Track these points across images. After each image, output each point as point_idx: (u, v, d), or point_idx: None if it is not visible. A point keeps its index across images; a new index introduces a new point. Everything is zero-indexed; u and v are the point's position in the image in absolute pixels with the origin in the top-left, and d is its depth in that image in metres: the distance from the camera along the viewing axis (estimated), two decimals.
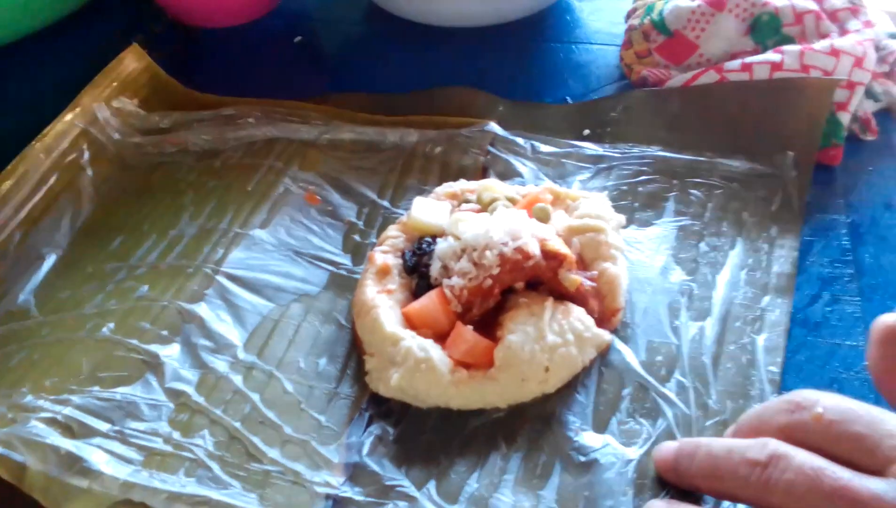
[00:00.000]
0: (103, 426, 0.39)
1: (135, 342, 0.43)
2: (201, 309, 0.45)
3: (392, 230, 0.47)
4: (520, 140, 0.53)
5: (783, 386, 0.40)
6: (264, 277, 0.47)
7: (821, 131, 0.49)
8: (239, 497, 0.37)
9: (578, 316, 0.41)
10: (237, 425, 0.40)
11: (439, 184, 0.50)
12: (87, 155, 0.54)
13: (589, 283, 0.43)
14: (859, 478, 0.28)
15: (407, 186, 0.52)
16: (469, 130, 0.54)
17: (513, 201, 0.46)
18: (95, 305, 0.45)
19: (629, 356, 0.42)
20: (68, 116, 0.54)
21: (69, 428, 0.39)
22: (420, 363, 0.39)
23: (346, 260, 0.48)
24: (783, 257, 0.45)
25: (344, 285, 0.47)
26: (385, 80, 0.62)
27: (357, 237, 0.50)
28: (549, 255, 0.41)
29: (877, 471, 0.28)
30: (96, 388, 0.41)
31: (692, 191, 0.49)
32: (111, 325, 0.44)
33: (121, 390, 0.41)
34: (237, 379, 0.42)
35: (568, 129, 0.55)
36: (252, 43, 0.68)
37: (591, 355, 0.41)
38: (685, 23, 0.55)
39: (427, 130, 0.55)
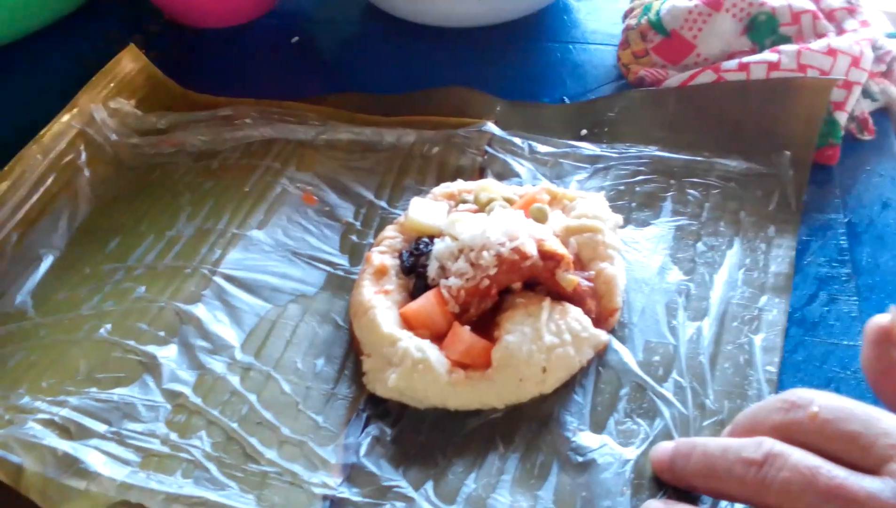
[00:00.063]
0: (100, 428, 0.39)
1: (132, 343, 0.43)
2: (198, 310, 0.44)
3: (389, 231, 0.47)
4: (517, 140, 0.53)
5: (781, 386, 0.40)
6: (262, 277, 0.47)
7: (818, 131, 0.49)
8: (236, 498, 0.37)
9: (576, 316, 0.41)
10: (234, 426, 0.40)
11: (437, 184, 0.50)
12: (84, 156, 0.54)
13: (586, 283, 0.43)
14: (854, 477, 0.28)
15: (404, 186, 0.52)
16: (466, 131, 0.54)
17: (510, 201, 0.46)
18: (92, 306, 0.45)
19: (626, 356, 0.42)
20: (65, 117, 0.54)
21: (66, 430, 0.39)
22: (417, 364, 0.39)
23: (343, 261, 0.48)
24: (780, 257, 0.45)
25: (341, 285, 0.47)
26: (382, 80, 0.62)
27: (354, 238, 0.50)
28: (546, 255, 0.41)
29: (872, 470, 0.29)
30: (93, 389, 0.41)
31: (689, 191, 0.49)
32: (108, 326, 0.44)
33: (118, 391, 0.41)
34: (234, 380, 0.42)
35: (565, 129, 0.55)
36: (249, 43, 0.68)
37: (589, 355, 0.41)
38: (682, 23, 0.55)
39: (424, 131, 0.55)
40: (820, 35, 0.52)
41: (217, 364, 0.42)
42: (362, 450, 0.39)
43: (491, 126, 0.54)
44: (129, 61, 0.59)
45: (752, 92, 0.51)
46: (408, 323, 0.42)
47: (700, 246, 0.46)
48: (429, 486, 0.37)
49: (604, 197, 0.48)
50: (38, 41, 0.68)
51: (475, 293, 0.41)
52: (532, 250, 0.41)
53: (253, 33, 0.69)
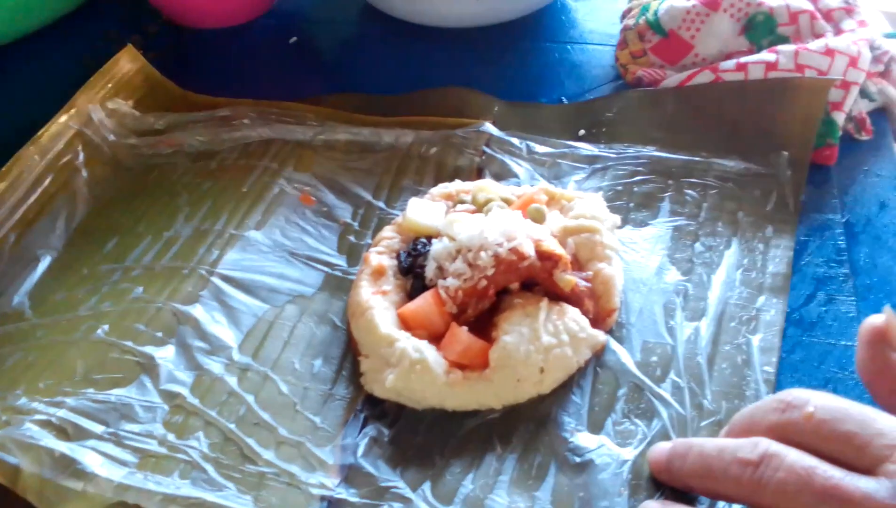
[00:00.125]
0: (98, 429, 0.39)
1: (129, 343, 0.43)
2: (196, 310, 0.44)
3: (387, 231, 0.47)
4: (515, 140, 0.53)
5: (778, 386, 0.40)
6: (259, 278, 0.47)
7: (816, 131, 0.50)
8: (234, 498, 0.37)
9: (573, 317, 0.41)
10: (232, 426, 0.40)
11: (434, 185, 0.50)
12: (81, 156, 0.54)
13: (584, 283, 0.43)
14: (850, 477, 0.28)
15: (402, 186, 0.52)
16: (464, 131, 0.54)
17: (508, 201, 0.46)
18: (90, 306, 0.45)
19: (624, 356, 0.42)
20: (63, 118, 0.54)
21: (63, 430, 0.39)
22: (415, 365, 0.39)
23: (341, 261, 0.48)
24: (778, 257, 0.45)
25: (339, 286, 0.47)
26: (380, 80, 0.62)
27: (352, 238, 0.50)
28: (543, 256, 0.41)
29: (867, 470, 0.29)
30: (91, 390, 0.41)
31: (687, 191, 0.49)
32: (106, 327, 0.44)
33: (115, 392, 0.41)
34: (232, 381, 0.42)
35: (563, 129, 0.55)
36: (247, 44, 0.68)
37: (586, 355, 0.41)
38: (680, 23, 0.55)
39: (422, 131, 0.55)
40: (818, 35, 0.52)
41: (215, 365, 0.42)
42: (360, 451, 0.39)
43: (489, 126, 0.54)
44: (127, 62, 0.59)
45: (750, 92, 0.51)
46: (405, 324, 0.42)
47: (698, 246, 0.46)
48: (426, 487, 0.37)
49: (601, 197, 0.48)
50: (36, 41, 0.68)
51: (473, 294, 0.41)
52: (530, 250, 0.41)
53: (251, 34, 0.68)
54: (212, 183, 0.53)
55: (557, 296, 0.42)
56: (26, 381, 0.41)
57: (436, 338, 0.41)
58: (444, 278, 0.41)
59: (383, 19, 0.67)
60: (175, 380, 0.41)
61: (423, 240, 0.45)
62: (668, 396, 0.40)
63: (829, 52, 0.50)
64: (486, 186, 0.47)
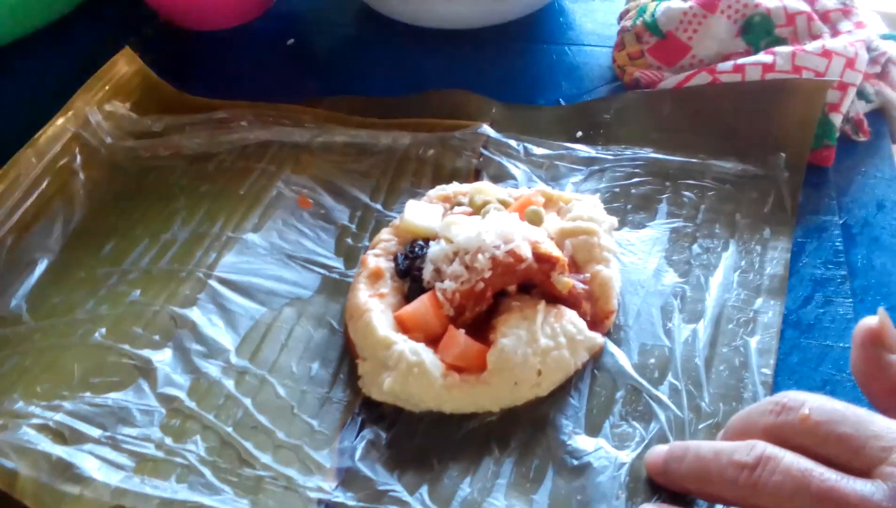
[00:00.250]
0: (95, 432, 0.39)
1: (127, 347, 0.43)
2: (193, 314, 0.44)
3: (384, 234, 0.47)
4: (512, 142, 0.53)
5: (776, 388, 0.40)
6: (257, 281, 0.47)
7: (813, 132, 0.49)
8: (231, 502, 0.37)
9: (571, 319, 0.41)
10: (229, 430, 0.40)
11: (432, 187, 0.50)
12: (79, 159, 0.54)
13: (581, 286, 0.43)
14: (846, 480, 0.28)
15: (400, 189, 0.52)
16: (462, 133, 0.54)
17: (505, 203, 0.46)
18: (87, 310, 0.45)
19: (622, 358, 0.42)
20: (60, 120, 0.54)
21: (60, 434, 0.39)
22: (412, 367, 0.39)
23: (338, 264, 0.48)
24: (776, 259, 0.45)
25: (336, 288, 0.47)
26: (377, 82, 0.62)
27: (350, 241, 0.49)
28: (541, 258, 0.41)
29: (863, 472, 0.29)
30: (88, 394, 0.41)
31: (685, 193, 0.49)
32: (103, 330, 0.44)
33: (112, 395, 0.41)
34: (229, 384, 0.42)
35: (561, 131, 0.55)
36: (244, 46, 0.67)
37: (584, 358, 0.41)
38: (677, 24, 0.55)
39: (420, 133, 0.55)
40: (815, 36, 0.52)
41: (212, 368, 0.42)
42: (357, 454, 0.39)
43: (486, 128, 0.54)
44: (124, 64, 0.59)
45: (748, 94, 0.51)
46: (403, 326, 0.42)
47: (695, 248, 0.46)
48: (424, 490, 0.37)
49: (599, 199, 0.48)
50: (33, 44, 0.67)
51: (470, 296, 0.41)
52: (527, 252, 0.41)
53: (248, 36, 0.68)
54: (209, 186, 0.53)
55: (555, 298, 0.42)
56: (23, 385, 0.41)
57: (433, 341, 0.41)
58: (442, 281, 0.41)
59: (380, 21, 0.66)
60: (172, 384, 0.41)
61: (421, 242, 0.45)
62: (665, 398, 0.40)
63: (826, 54, 0.50)
64: (484, 189, 0.47)
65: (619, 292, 0.44)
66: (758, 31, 0.54)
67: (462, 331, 0.40)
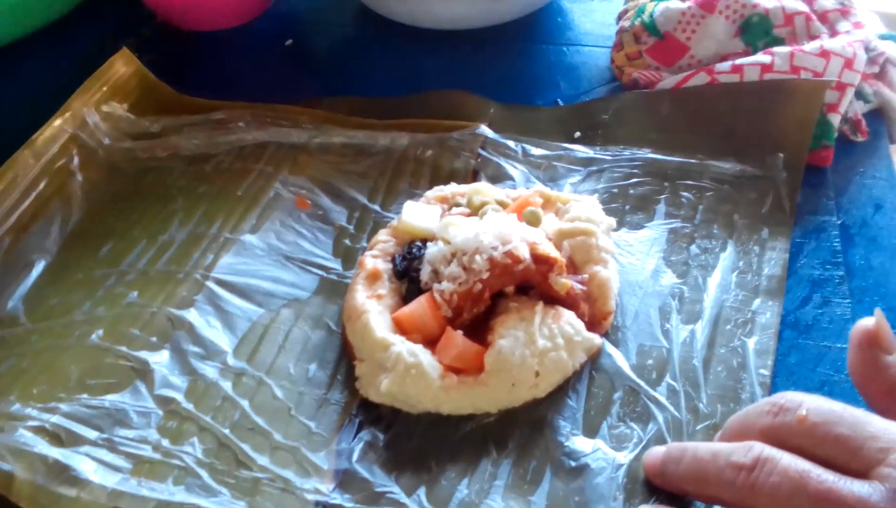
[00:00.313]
0: (91, 434, 0.39)
1: (124, 348, 0.43)
2: (191, 315, 0.44)
3: (382, 235, 0.47)
4: (511, 143, 0.53)
5: (774, 389, 0.40)
6: (254, 282, 0.47)
7: (811, 133, 0.49)
8: (228, 504, 0.37)
9: (569, 320, 0.41)
10: (226, 432, 0.40)
11: (430, 188, 0.50)
12: (76, 160, 0.54)
13: (579, 287, 0.42)
14: (844, 481, 0.28)
15: (397, 189, 0.52)
16: (460, 134, 0.54)
17: (503, 204, 0.46)
18: (85, 311, 0.45)
19: (620, 359, 0.42)
20: (58, 121, 0.54)
21: (57, 437, 0.39)
22: (410, 369, 0.39)
23: (336, 265, 0.48)
24: (774, 260, 0.45)
25: (334, 289, 0.47)
26: (376, 83, 0.62)
27: (347, 242, 0.49)
28: (539, 259, 0.41)
29: (860, 473, 0.29)
30: (85, 396, 0.40)
31: (683, 193, 0.49)
32: (100, 332, 0.44)
33: (109, 397, 0.41)
34: (227, 386, 0.42)
35: (559, 131, 0.55)
36: (242, 46, 0.67)
37: (582, 359, 0.41)
38: (675, 24, 0.55)
39: (418, 134, 0.54)
40: (813, 37, 0.52)
41: (209, 370, 0.42)
42: (355, 456, 0.39)
43: (484, 129, 0.54)
44: (122, 65, 0.58)
45: (746, 94, 0.51)
46: (400, 328, 0.42)
47: (693, 249, 0.46)
48: (421, 492, 0.37)
49: (597, 200, 0.48)
50: (30, 45, 0.67)
51: (468, 298, 0.41)
52: (525, 253, 0.41)
53: (246, 36, 0.68)
54: (207, 187, 0.53)
55: (553, 299, 0.42)
56: (20, 387, 0.41)
57: (431, 342, 0.41)
58: (440, 282, 0.41)
59: (378, 22, 0.66)
60: (169, 385, 0.41)
61: (419, 243, 0.45)
62: (663, 399, 0.40)
63: (825, 54, 0.50)
64: (482, 189, 0.47)
65: (617, 293, 0.44)
66: (756, 32, 0.53)
67: (460, 332, 0.40)
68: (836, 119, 0.50)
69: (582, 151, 0.53)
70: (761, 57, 0.51)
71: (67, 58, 0.66)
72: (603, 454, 0.38)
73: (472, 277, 0.41)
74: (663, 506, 0.35)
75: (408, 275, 0.44)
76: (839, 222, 0.48)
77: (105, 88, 0.57)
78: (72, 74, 0.57)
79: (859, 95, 0.52)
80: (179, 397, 0.41)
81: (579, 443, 0.38)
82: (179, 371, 0.42)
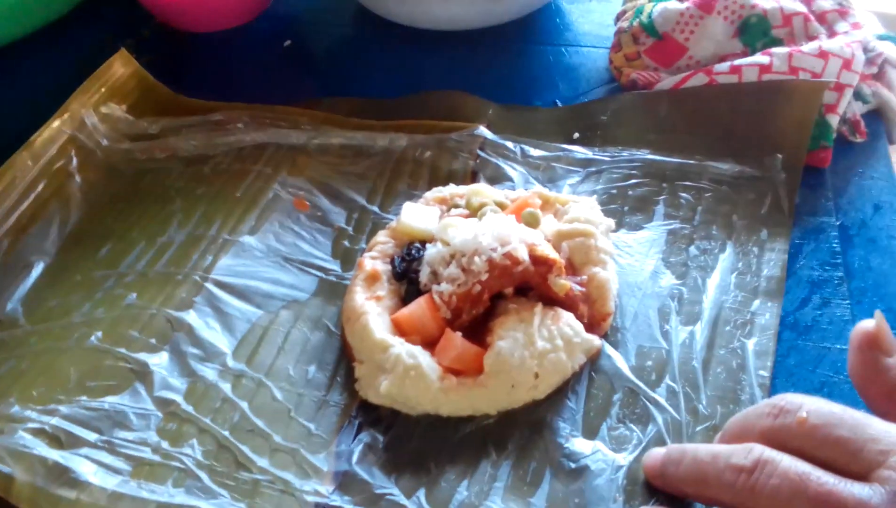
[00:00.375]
0: (91, 436, 0.39)
1: (123, 350, 0.43)
2: (190, 317, 0.44)
3: (381, 236, 0.47)
4: (509, 144, 0.53)
5: (773, 390, 0.40)
6: (253, 283, 0.47)
7: (810, 134, 0.49)
8: (228, 506, 0.37)
9: (568, 321, 0.41)
10: (226, 433, 0.40)
11: (429, 189, 0.49)
12: (75, 162, 0.54)
13: (578, 288, 0.43)
14: (844, 483, 0.28)
15: (396, 191, 0.52)
16: (459, 135, 0.54)
17: (502, 205, 0.46)
18: (83, 313, 0.45)
19: (619, 361, 0.42)
20: (56, 123, 0.54)
21: (56, 439, 0.39)
22: (409, 370, 0.39)
23: (335, 266, 0.48)
24: (773, 261, 0.45)
25: (333, 291, 0.47)
26: (374, 84, 0.62)
27: (346, 243, 0.49)
28: (538, 260, 0.41)
29: (860, 476, 0.29)
30: (84, 397, 0.40)
31: (682, 194, 0.49)
32: (99, 334, 0.44)
33: (109, 399, 0.41)
34: (226, 387, 0.42)
35: (557, 132, 0.55)
36: (241, 47, 0.67)
37: (581, 360, 0.41)
38: (674, 25, 0.55)
39: (417, 135, 0.54)
40: (811, 37, 0.52)
41: (208, 372, 0.42)
42: (354, 457, 0.39)
43: (483, 130, 0.54)
44: (120, 66, 0.58)
45: (744, 95, 0.51)
46: (400, 329, 0.42)
47: (692, 250, 0.46)
48: (421, 494, 0.37)
49: (596, 201, 0.48)
50: (29, 46, 0.67)
51: (467, 299, 0.41)
52: (523, 255, 0.41)
53: (245, 37, 0.68)
54: (205, 188, 0.53)
55: (552, 301, 0.42)
56: (19, 389, 0.41)
57: (430, 344, 0.41)
58: (439, 284, 0.41)
59: (377, 22, 0.66)
60: (169, 387, 0.41)
61: (418, 245, 0.45)
62: (663, 401, 0.40)
63: (823, 55, 0.50)
64: (481, 190, 0.47)
65: (617, 295, 0.44)
66: (754, 32, 0.54)
67: (459, 334, 0.40)
68: (834, 120, 0.50)
69: (580, 152, 0.53)
70: (760, 58, 0.51)
71: (66, 59, 0.66)
72: (602, 455, 0.38)
73: (471, 278, 0.41)
74: None
75: (407, 276, 0.44)
76: (838, 223, 0.48)
77: (103, 90, 0.57)
78: (70, 75, 0.57)
79: (858, 95, 0.52)
80: (179, 399, 0.41)
81: (579, 445, 0.38)
82: (179, 373, 0.42)
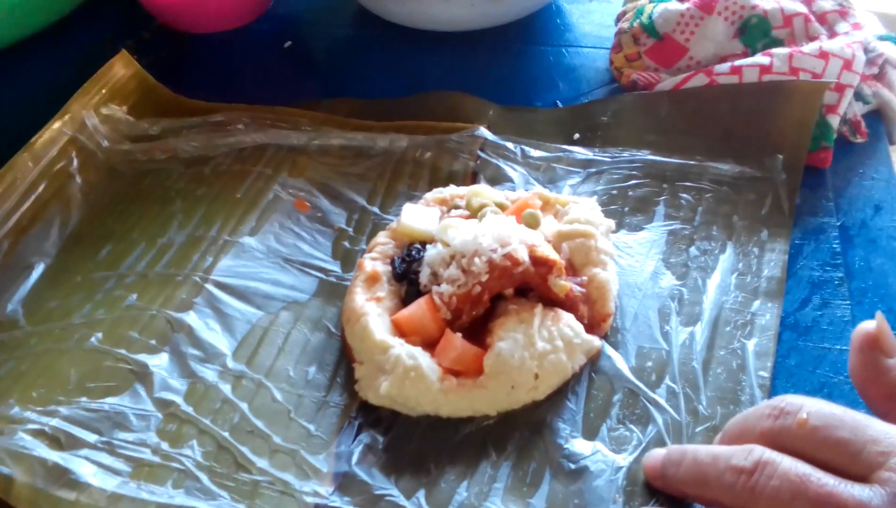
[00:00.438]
0: (91, 438, 0.39)
1: (123, 351, 0.43)
2: (190, 318, 0.44)
3: (381, 237, 0.47)
4: (510, 145, 0.53)
5: (773, 391, 0.40)
6: (253, 284, 0.47)
7: (810, 134, 0.49)
8: (228, 507, 0.37)
9: (568, 322, 0.41)
10: (226, 434, 0.40)
11: (429, 190, 0.49)
12: (75, 163, 0.54)
13: (578, 289, 0.42)
14: (844, 485, 0.28)
15: (397, 192, 0.52)
16: (459, 136, 0.54)
17: (502, 206, 0.46)
18: (84, 314, 0.45)
19: (619, 362, 0.42)
20: (57, 124, 0.54)
21: (56, 440, 0.39)
22: (409, 371, 0.39)
23: (335, 267, 0.48)
24: (773, 261, 0.45)
25: (333, 292, 0.47)
26: (375, 85, 0.62)
27: (347, 244, 0.49)
28: (538, 261, 0.41)
29: (861, 477, 0.29)
30: (84, 399, 0.40)
31: (682, 195, 0.49)
32: (99, 335, 0.44)
33: (109, 400, 0.41)
34: (226, 388, 0.42)
35: (558, 133, 0.55)
36: (241, 48, 0.67)
37: (581, 361, 0.41)
38: (674, 26, 0.55)
39: (417, 136, 0.54)
40: (812, 38, 0.52)
41: (208, 373, 0.42)
42: (354, 458, 0.39)
43: (483, 131, 0.54)
44: (120, 67, 0.58)
45: (745, 95, 0.51)
46: (400, 330, 0.42)
47: (693, 251, 0.46)
48: (421, 495, 0.37)
49: (596, 202, 0.48)
50: (29, 47, 0.67)
51: (467, 300, 0.41)
52: (524, 256, 0.41)
53: (245, 38, 0.68)
54: (206, 189, 0.53)
55: (552, 302, 0.42)
56: (19, 390, 0.41)
57: (430, 345, 0.41)
58: (439, 284, 0.41)
59: (377, 23, 0.66)
60: (169, 388, 0.41)
61: (418, 246, 0.45)
62: (663, 402, 0.40)
63: (824, 55, 0.50)
64: (481, 191, 0.47)
65: (617, 295, 0.44)
66: (755, 33, 0.53)
67: (459, 335, 0.40)
68: (835, 120, 0.50)
69: (581, 152, 0.53)
70: (760, 58, 0.51)
71: (66, 60, 0.66)
72: (602, 456, 0.38)
73: (471, 279, 0.41)
74: None
75: (407, 277, 0.44)
76: (838, 224, 0.48)
77: (104, 91, 0.57)
78: (71, 77, 0.57)
79: (858, 96, 0.52)
80: (179, 400, 0.41)
81: (579, 445, 0.38)
82: (179, 374, 0.42)
